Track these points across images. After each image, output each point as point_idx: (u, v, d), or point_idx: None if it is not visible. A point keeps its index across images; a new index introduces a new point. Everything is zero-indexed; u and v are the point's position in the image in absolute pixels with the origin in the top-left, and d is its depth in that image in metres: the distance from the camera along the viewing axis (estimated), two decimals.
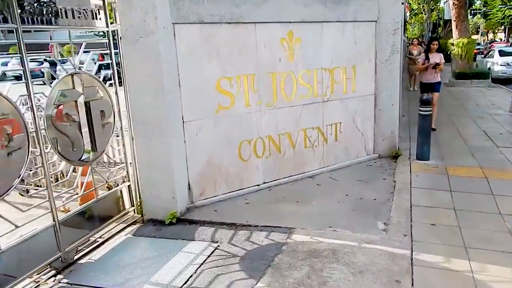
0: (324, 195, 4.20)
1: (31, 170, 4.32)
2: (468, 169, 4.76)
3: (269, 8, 4.22)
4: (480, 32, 47.26)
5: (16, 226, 2.82)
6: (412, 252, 2.95)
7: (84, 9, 3.41)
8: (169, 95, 3.67)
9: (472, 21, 38.69)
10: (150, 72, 3.58)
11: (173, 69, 3.72)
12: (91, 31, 3.97)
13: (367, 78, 5.34)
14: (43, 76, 6.44)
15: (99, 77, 3.62)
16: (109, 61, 3.72)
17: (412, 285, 2.58)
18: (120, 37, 3.64)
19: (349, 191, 4.25)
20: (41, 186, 4.02)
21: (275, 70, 4.43)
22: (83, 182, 3.69)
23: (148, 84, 3.62)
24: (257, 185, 4.51)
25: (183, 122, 3.89)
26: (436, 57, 6.72)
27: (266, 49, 4.33)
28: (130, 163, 4.01)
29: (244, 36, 4.14)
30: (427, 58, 6.79)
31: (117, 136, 3.95)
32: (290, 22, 4.44)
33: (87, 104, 3.43)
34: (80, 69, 3.37)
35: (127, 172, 4.07)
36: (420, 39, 19.71)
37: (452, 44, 15.47)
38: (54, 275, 3.06)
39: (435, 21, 36.42)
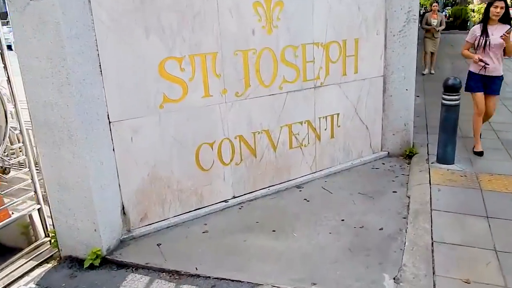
0: (312, 218, 3.11)
1: None
2: (509, 179, 3.62)
3: None
4: None
5: None
6: None
7: None
8: (82, 85, 2.54)
9: None
10: (48, 52, 2.44)
11: (88, 47, 2.56)
12: None
13: (374, 55, 4.14)
14: None
15: None
16: None
17: None
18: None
19: (347, 213, 3.16)
20: None
21: (246, 46, 3.26)
22: None
23: (47, 71, 2.48)
24: (225, 201, 3.44)
25: (110, 122, 2.77)
26: (500, 31, 3.93)
27: (233, 17, 3.14)
28: (41, 180, 2.94)
29: None
30: (485, 32, 4.00)
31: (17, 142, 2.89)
32: None
33: None
34: None
35: (35, 191, 3.01)
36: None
37: (473, 11, 14.02)
38: None
39: None
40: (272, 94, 3.50)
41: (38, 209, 3.13)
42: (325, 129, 3.95)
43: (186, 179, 3.21)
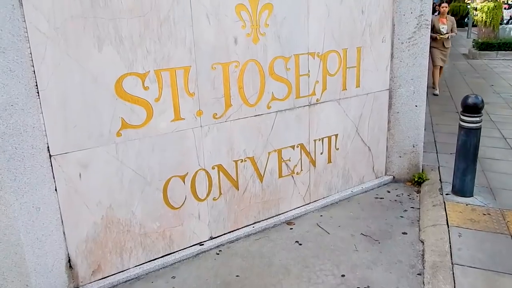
0: (305, 273, 2.62)
1: None
2: None
3: None
4: None
5: None
6: None
7: None
8: (8, 113, 2.04)
9: None
10: None
11: (18, 63, 2.05)
12: None
13: (379, 66, 3.67)
14: None
15: None
16: None
17: None
18: None
19: (348, 264, 2.68)
20: None
21: (227, 58, 2.76)
22: None
23: None
24: (200, 243, 2.95)
25: (50, 156, 2.27)
26: None
27: (211, 24, 2.64)
28: None
29: (168, 1, 2.45)
30: None
31: None
32: None
33: None
34: None
35: None
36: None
37: (475, 9, 13.65)
38: None
39: None
40: (258, 115, 3.01)
41: None
42: (321, 153, 3.48)
43: (151, 220, 2.71)
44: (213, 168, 2.90)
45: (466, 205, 3.32)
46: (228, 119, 2.87)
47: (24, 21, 2.06)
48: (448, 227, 2.97)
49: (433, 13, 14.05)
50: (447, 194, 3.51)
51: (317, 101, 3.32)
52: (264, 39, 2.90)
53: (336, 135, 3.54)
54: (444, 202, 3.36)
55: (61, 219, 2.37)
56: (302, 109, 3.25)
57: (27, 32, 2.07)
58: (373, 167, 3.91)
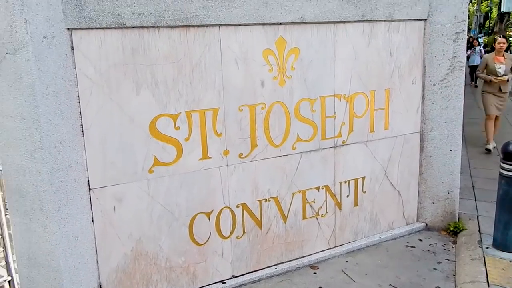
0: None
1: None
2: None
3: (245, 2, 3.09)
4: None
5: None
6: None
7: None
8: (57, 149, 2.61)
9: None
10: (21, 112, 2.53)
11: (68, 105, 2.64)
12: None
13: (409, 108, 4.09)
14: None
15: None
16: None
17: None
18: None
19: None
20: None
21: (254, 100, 3.29)
22: None
23: (20, 133, 2.56)
24: (222, 281, 3.37)
25: (90, 189, 2.81)
26: None
27: (239, 68, 3.19)
28: None
29: (200, 48, 3.03)
30: None
31: None
32: (280, 24, 3.28)
33: None
34: None
35: (7, 261, 3.05)
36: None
37: None
38: None
39: (485, 13, 34.46)
40: (284, 155, 3.48)
41: (9, 281, 3.17)
42: (347, 196, 3.88)
43: (177, 255, 3.18)
44: (237, 206, 3.36)
45: (510, 261, 3.54)
46: (254, 159, 3.36)
47: (75, 68, 2.67)
48: (488, 286, 3.20)
49: (468, 48, 13.78)
50: (487, 248, 3.76)
51: (343, 142, 3.76)
52: (290, 82, 3.41)
53: (363, 178, 3.94)
54: (484, 256, 3.62)
55: (96, 248, 2.87)
56: (328, 151, 3.70)
57: (76, 78, 2.68)
58: (403, 213, 4.24)
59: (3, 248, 3.00)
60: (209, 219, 3.26)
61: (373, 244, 3.99)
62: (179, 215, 3.14)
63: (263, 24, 3.22)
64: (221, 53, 3.11)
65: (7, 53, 2.47)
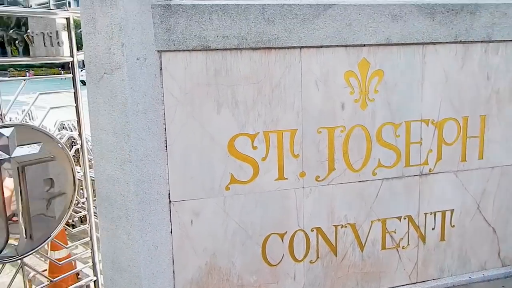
0: None
1: None
2: None
3: (328, 24, 3.10)
4: None
5: None
6: None
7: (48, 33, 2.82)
8: (143, 163, 2.81)
9: None
10: (114, 127, 2.78)
11: (154, 122, 2.84)
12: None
13: (509, 137, 3.74)
14: None
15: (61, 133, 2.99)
16: (74, 104, 3.06)
17: None
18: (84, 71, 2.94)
19: None
20: None
21: (333, 123, 3.25)
22: None
23: (112, 145, 2.81)
24: None
25: (170, 202, 2.97)
26: None
27: (319, 89, 3.19)
28: None
29: (280, 69, 3.08)
30: None
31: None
32: (363, 46, 3.23)
33: (21, 171, 2.78)
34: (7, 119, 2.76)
35: (93, 263, 3.32)
36: None
37: None
38: None
39: None
40: (363, 181, 3.37)
41: (94, 281, 3.45)
42: (433, 229, 3.62)
43: (249, 273, 3.20)
44: (312, 230, 3.31)
45: None
46: (331, 182, 3.30)
47: (162, 87, 2.87)
48: None
49: None
50: None
51: (430, 171, 3.54)
52: (372, 105, 3.32)
53: (452, 211, 3.65)
54: None
55: (173, 259, 3.01)
56: (412, 179, 3.51)
57: (163, 96, 2.87)
58: (498, 253, 3.84)
59: (91, 249, 3.27)
60: (282, 241, 3.25)
61: (461, 284, 3.66)
62: (252, 233, 3.18)
63: (346, 45, 3.19)
64: (301, 74, 3.14)
65: (104, 73, 2.75)
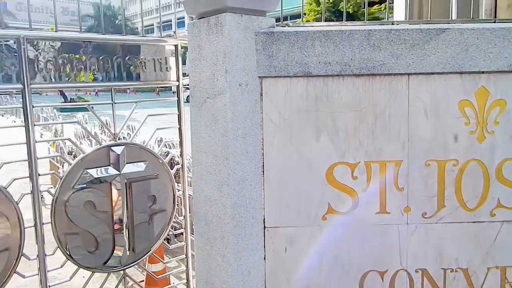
0: None
1: None
2: None
3: (440, 49, 2.87)
4: None
5: None
6: None
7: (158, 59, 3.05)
8: (241, 186, 2.82)
9: None
10: (214, 149, 2.84)
11: (253, 146, 2.86)
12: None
13: None
14: None
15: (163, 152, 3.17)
16: (177, 126, 3.22)
17: None
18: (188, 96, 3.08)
19: None
20: None
21: (444, 156, 2.96)
22: None
23: (211, 167, 2.88)
24: None
25: (265, 227, 2.94)
26: None
27: (429, 119, 2.94)
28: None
29: (385, 97, 2.92)
30: None
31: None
32: (482, 73, 2.92)
33: (128, 187, 2.97)
34: (121, 138, 2.98)
35: (187, 280, 3.39)
36: None
37: None
38: None
39: None
40: (478, 222, 2.99)
41: None
42: None
43: None
44: (416, 271, 3.01)
45: None
46: (440, 221, 2.99)
47: (262, 112, 2.89)
48: None
49: None
50: None
51: None
52: (491, 138, 2.97)
53: None
54: None
55: (265, 286, 2.96)
56: None
57: (262, 121, 2.89)
58: None
59: (186, 266, 3.35)
60: (382, 279, 3.01)
61: None
62: (349, 268, 2.99)
63: (461, 72, 2.92)
64: (408, 103, 2.93)
65: (207, 98, 2.85)
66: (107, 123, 6.34)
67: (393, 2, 7.25)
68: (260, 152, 2.90)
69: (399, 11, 4.84)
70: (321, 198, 2.95)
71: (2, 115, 16.64)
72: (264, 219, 2.94)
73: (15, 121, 16.04)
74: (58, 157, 7.47)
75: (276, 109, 2.89)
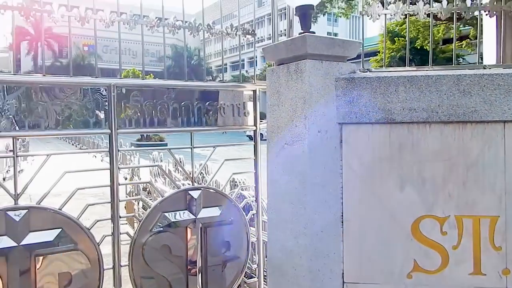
0: None
1: None
2: None
3: None
4: None
5: None
6: None
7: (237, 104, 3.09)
8: (318, 237, 2.68)
9: None
10: (291, 197, 2.75)
11: (332, 195, 2.73)
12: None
13: None
14: None
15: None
16: (253, 171, 3.18)
17: None
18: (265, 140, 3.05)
19: None
20: None
21: None
22: None
23: (287, 216, 2.78)
24: None
25: (343, 283, 2.74)
26: None
27: None
28: None
29: (478, 145, 2.69)
30: None
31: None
32: None
33: (203, 232, 2.93)
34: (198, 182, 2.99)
35: None
36: None
37: None
38: None
39: None
40: None
41: None
42: None
43: None
44: None
45: None
46: None
47: (341, 160, 2.77)
48: None
49: None
50: None
51: None
52: None
53: None
54: None
55: None
56: None
57: (341, 169, 2.76)
58: None
59: None
60: None
61: None
62: None
63: None
64: (504, 152, 2.67)
65: (285, 144, 2.80)
66: (181, 161, 6.53)
67: (476, 38, 6.85)
68: (340, 202, 2.76)
69: (488, 53, 4.56)
70: (406, 254, 2.71)
71: (95, 157, 17.91)
72: (343, 273, 2.75)
73: (102, 159, 17.18)
74: (135, 195, 7.76)
75: (356, 156, 2.76)
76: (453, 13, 3.14)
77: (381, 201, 2.73)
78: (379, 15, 3.13)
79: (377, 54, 28.13)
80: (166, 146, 20.80)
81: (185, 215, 2.90)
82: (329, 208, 2.72)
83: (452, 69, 2.90)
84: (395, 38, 28.23)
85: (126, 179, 10.20)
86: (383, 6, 3.18)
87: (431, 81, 2.68)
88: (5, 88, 2.44)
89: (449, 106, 2.67)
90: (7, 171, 14.63)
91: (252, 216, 3.46)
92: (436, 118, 2.68)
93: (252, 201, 3.48)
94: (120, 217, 2.71)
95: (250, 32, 3.34)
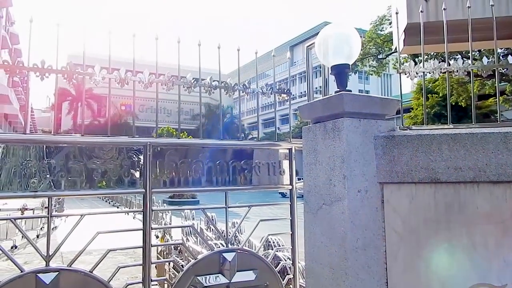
0: None
1: None
2: None
3: None
4: None
5: None
6: None
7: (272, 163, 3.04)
8: None
9: None
10: (332, 261, 2.60)
11: (375, 260, 2.57)
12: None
13: None
14: None
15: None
16: (290, 232, 3.06)
17: None
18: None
19: None
20: None
21: None
22: None
23: (327, 282, 2.62)
24: None
25: None
26: None
27: None
28: None
29: None
30: None
31: None
32: None
33: None
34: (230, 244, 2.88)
35: None
36: None
37: None
38: None
39: None
40: None
41: None
42: None
43: None
44: None
45: None
46: None
47: (383, 221, 2.63)
48: None
49: None
50: None
51: None
52: None
53: None
54: None
55: None
56: None
57: (384, 232, 2.62)
58: None
59: None
60: None
61: None
62: None
63: None
64: None
65: (323, 204, 2.70)
66: (213, 219, 6.43)
67: None
68: (383, 267, 2.59)
69: None
70: None
71: (127, 214, 18.06)
72: None
73: (134, 216, 17.33)
74: (166, 254, 7.63)
75: (400, 218, 2.62)
76: (495, 70, 3.07)
77: (429, 267, 2.55)
78: (416, 73, 3.10)
79: (410, 111, 27.94)
80: (198, 203, 20.83)
81: (218, 279, 2.78)
82: (372, 274, 2.55)
83: (498, 126, 2.78)
84: (428, 95, 28.08)
85: (157, 237, 10.13)
86: (415, 64, 3.15)
87: (476, 139, 2.57)
88: (44, 148, 2.50)
89: (497, 165, 2.53)
90: (41, 228, 14.87)
91: (289, 281, 3.29)
92: (484, 177, 2.54)
93: (289, 264, 3.33)
94: (151, 280, 2.62)
95: (285, 91, 3.36)
